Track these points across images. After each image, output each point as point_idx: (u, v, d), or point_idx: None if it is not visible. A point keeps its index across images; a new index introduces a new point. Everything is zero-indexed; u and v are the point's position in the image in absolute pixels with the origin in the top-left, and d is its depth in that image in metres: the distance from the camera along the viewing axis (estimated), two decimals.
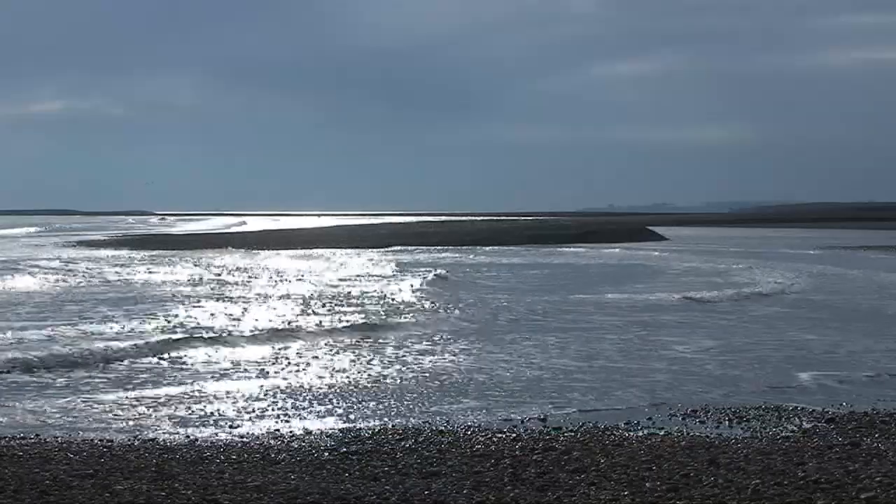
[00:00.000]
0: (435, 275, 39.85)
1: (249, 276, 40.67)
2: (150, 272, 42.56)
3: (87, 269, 44.94)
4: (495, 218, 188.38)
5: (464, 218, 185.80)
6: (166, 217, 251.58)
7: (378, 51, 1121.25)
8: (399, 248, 68.35)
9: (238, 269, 45.74)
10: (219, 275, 41.52)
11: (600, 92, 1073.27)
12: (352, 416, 14.13)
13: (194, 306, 28.23)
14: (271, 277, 40.12)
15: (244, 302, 29.64)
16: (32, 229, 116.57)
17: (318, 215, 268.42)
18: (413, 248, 69.13)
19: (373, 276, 41.33)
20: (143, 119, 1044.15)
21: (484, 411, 14.52)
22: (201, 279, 38.90)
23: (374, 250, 64.58)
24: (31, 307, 28.02)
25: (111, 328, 23.08)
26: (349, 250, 63.80)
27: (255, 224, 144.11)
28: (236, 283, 36.96)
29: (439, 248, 70.08)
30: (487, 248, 69.65)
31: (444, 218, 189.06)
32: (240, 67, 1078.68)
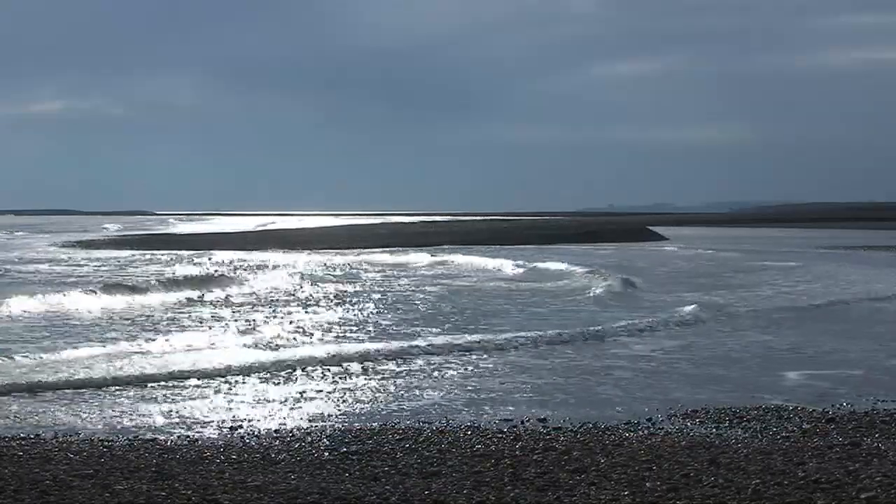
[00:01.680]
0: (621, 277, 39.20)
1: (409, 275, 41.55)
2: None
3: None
4: (495, 218, 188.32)
5: (464, 218, 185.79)
6: (183, 217, 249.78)
7: (378, 51, 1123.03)
8: (449, 247, 67.31)
9: (363, 265, 46.74)
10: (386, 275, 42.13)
11: (600, 92, 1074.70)
12: None
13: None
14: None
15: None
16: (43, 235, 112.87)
17: (336, 215, 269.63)
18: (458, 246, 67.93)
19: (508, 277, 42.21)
20: (143, 119, 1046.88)
21: None
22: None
23: (421, 249, 63.69)
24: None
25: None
26: (412, 249, 63.54)
27: (282, 223, 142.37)
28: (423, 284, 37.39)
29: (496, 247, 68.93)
30: (511, 247, 68.80)
31: (448, 217, 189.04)
32: (240, 67, 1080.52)
